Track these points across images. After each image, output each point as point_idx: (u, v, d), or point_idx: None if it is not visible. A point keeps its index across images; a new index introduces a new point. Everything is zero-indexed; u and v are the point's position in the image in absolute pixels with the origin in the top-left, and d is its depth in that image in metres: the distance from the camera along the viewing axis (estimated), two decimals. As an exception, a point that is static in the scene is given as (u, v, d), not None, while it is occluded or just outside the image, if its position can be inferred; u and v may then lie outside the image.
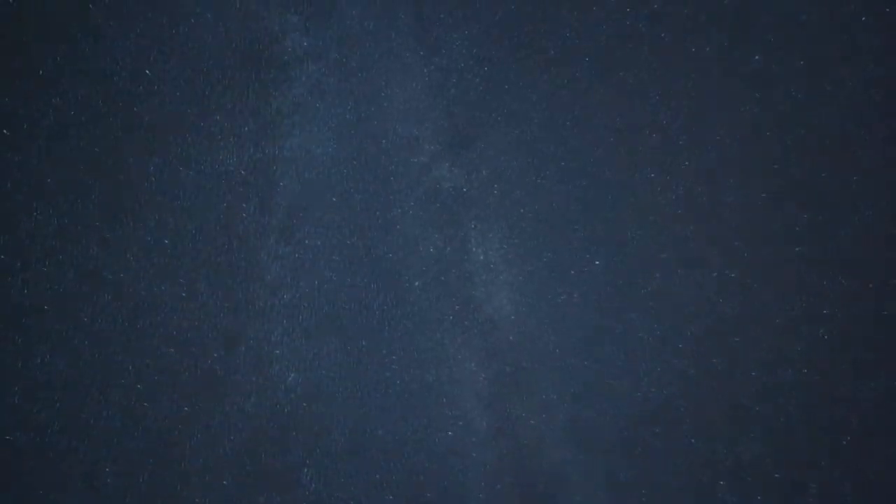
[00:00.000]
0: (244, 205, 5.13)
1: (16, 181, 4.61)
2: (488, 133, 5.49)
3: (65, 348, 4.79)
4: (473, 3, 5.22)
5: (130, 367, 4.94)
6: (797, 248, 5.63)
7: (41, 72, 4.49)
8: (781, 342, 5.76)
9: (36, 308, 4.68)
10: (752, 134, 5.61)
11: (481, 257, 5.76)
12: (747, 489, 5.79)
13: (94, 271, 4.73)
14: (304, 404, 5.51)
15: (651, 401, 6.15)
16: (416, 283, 5.65)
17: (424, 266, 5.65)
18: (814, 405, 5.65)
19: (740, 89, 5.55)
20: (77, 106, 4.66)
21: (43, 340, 4.75)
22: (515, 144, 5.58)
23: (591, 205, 5.93)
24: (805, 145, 5.60)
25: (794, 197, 5.72)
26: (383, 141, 5.26)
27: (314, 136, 5.12)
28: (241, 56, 4.96)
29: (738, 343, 6.07)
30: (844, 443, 5.76)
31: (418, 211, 5.48)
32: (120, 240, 4.86)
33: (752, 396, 6.12)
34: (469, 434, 5.96)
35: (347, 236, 5.33)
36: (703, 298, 5.97)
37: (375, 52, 5.12)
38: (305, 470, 5.34)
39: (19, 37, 4.36)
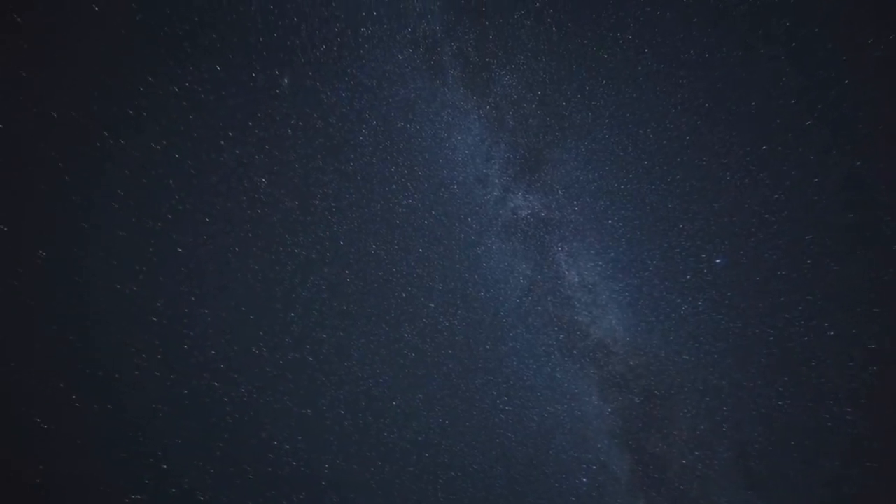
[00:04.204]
0: (348, 271, 5.13)
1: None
2: (555, 152, 4.78)
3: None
4: (513, 36, 4.80)
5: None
6: None
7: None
8: None
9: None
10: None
11: (576, 279, 4.80)
12: None
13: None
14: (426, 454, 4.93)
15: (847, 425, 4.18)
16: (514, 317, 4.88)
17: (518, 298, 4.89)
18: None
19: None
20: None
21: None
22: (587, 156, 4.73)
23: (694, 197, 4.64)
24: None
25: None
26: (455, 186, 4.92)
27: (393, 194, 5.01)
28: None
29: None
30: None
31: (501, 244, 4.87)
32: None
33: None
34: (608, 479, 4.66)
35: (437, 281, 4.91)
36: (877, 285, 4.05)
37: (431, 109, 4.95)
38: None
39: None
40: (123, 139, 4.97)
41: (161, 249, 5.11)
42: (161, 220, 5.08)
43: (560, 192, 4.71)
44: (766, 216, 4.25)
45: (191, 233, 5.14)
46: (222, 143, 5.16)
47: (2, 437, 4.96)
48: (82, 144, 4.89)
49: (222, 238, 5.17)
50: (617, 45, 4.67)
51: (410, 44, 4.87)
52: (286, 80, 5.06)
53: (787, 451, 4.11)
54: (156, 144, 5.15)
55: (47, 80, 4.61)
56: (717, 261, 4.29)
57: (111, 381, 4.92)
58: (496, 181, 4.93)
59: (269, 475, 5.09)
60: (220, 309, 5.15)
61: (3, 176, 4.54)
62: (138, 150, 5.13)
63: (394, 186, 5.02)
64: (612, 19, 4.62)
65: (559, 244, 4.57)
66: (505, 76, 4.83)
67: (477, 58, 4.87)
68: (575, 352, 4.50)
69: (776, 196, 4.25)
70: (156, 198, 5.10)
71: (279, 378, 5.17)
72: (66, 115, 4.86)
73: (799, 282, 4.21)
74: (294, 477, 5.05)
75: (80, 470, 4.78)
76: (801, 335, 4.12)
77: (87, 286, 4.88)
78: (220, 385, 5.18)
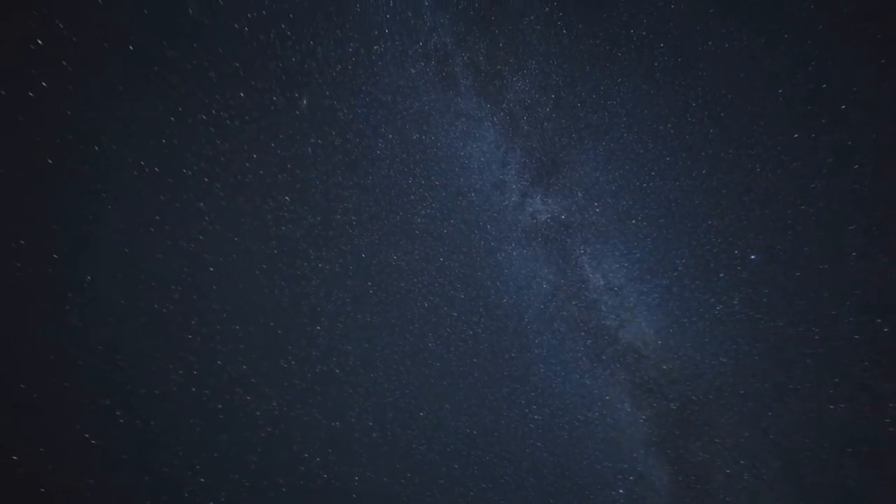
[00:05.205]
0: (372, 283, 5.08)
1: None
2: (573, 154, 4.61)
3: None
4: (523, 42, 4.70)
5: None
6: None
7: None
8: None
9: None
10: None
11: (601, 282, 4.57)
12: None
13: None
14: (455, 465, 4.76)
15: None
16: (539, 323, 4.68)
17: (542, 304, 4.70)
18: None
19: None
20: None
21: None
22: (605, 156, 4.53)
23: (722, 192, 4.36)
24: None
25: None
26: (472, 194, 4.82)
27: (411, 205, 4.95)
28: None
29: None
30: None
31: (522, 250, 4.71)
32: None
33: None
34: (647, 491, 4.35)
35: (459, 290, 4.79)
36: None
37: (445, 119, 4.89)
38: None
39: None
40: (158, 167, 5.13)
41: (194, 270, 5.21)
42: (193, 241, 5.19)
43: (580, 195, 4.51)
44: (803, 207, 3.91)
45: (221, 252, 5.22)
46: (247, 164, 5.25)
47: (59, 453, 5.12)
48: (122, 175, 5.07)
49: (250, 256, 5.23)
50: (630, 43, 4.48)
51: (422, 57, 4.84)
52: (305, 101, 5.12)
53: (844, 459, 3.70)
54: (187, 170, 5.29)
55: (89, 117, 4.83)
56: (752, 257, 3.96)
57: (151, 398, 5.01)
58: (514, 187, 4.79)
59: (302, 488, 5.03)
60: (250, 324, 5.19)
61: (53, 208, 4.76)
62: (172, 177, 5.28)
63: (412, 197, 4.95)
64: (623, 17, 4.44)
65: (581, 247, 4.36)
66: (517, 82, 4.71)
67: (488, 66, 4.79)
68: (604, 357, 4.25)
69: (813, 185, 3.91)
70: (188, 221, 5.22)
71: (308, 391, 5.14)
72: (107, 147, 5.06)
73: (844, 276, 3.84)
74: (326, 489, 4.98)
75: (124, 483, 4.86)
76: (851, 333, 3.74)
77: (128, 307, 5.02)
78: (252, 399, 5.19)
